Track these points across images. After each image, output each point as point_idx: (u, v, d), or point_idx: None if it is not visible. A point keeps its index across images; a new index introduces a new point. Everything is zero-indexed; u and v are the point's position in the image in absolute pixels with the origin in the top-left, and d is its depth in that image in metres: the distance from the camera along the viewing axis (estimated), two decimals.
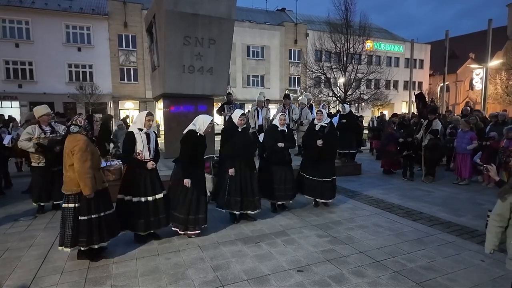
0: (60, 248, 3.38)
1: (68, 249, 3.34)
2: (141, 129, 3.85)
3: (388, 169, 8.51)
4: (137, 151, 3.83)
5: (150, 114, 3.92)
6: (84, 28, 24.83)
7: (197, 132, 4.07)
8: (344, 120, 8.19)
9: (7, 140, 6.13)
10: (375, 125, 12.27)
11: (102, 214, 3.44)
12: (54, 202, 5.23)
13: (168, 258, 3.56)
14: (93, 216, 3.36)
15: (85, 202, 3.34)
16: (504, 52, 35.20)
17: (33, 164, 5.07)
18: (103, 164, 6.13)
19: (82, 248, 3.38)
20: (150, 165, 3.84)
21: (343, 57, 21.23)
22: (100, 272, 3.27)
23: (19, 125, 11.04)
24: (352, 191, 6.56)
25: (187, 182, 3.94)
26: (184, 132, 4.11)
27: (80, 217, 3.32)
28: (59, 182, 5.13)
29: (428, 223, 4.69)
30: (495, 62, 23.30)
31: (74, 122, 3.42)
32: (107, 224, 3.49)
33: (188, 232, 4.07)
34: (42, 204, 5.15)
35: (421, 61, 38.85)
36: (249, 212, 4.63)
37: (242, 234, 4.27)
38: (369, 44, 25.16)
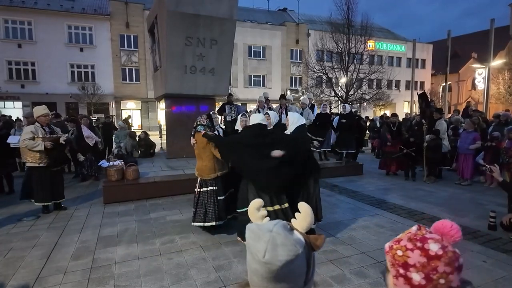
0: (197, 224, 4.07)
1: (209, 224, 4.00)
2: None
3: (387, 171, 8.35)
4: None
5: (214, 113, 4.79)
6: (86, 29, 24.93)
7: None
8: (343, 120, 8.21)
9: (15, 139, 6.06)
10: (378, 125, 12.28)
11: (227, 194, 4.18)
12: (56, 202, 5.27)
13: (170, 259, 3.57)
14: (224, 196, 4.12)
15: (221, 184, 4.09)
16: (506, 51, 35.06)
17: (31, 164, 4.97)
18: (105, 164, 6.18)
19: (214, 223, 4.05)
20: None
21: (344, 57, 21.21)
22: (103, 272, 3.28)
23: (22, 125, 11.08)
24: (353, 191, 6.56)
25: None
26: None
27: (218, 197, 4.05)
28: (60, 181, 5.22)
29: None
30: (497, 62, 23.17)
31: (199, 122, 4.11)
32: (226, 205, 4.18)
33: None
34: (46, 204, 5.17)
35: (423, 60, 38.77)
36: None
37: None
38: (370, 44, 25.12)
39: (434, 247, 0.80)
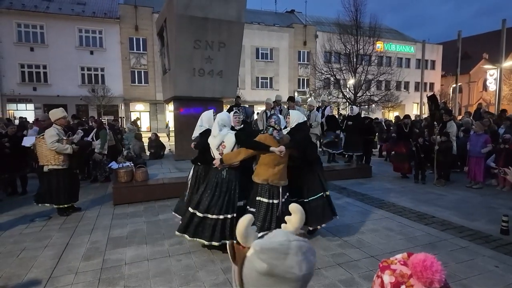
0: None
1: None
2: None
3: (404, 174, 8.15)
4: None
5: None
6: (97, 32, 25.33)
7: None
8: (350, 122, 8.15)
9: (30, 142, 6.00)
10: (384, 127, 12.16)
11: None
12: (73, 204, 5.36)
13: (179, 260, 3.60)
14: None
15: None
16: None
17: (54, 167, 4.97)
18: (115, 166, 6.27)
19: None
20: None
21: (353, 58, 21.09)
22: (113, 273, 3.33)
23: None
24: (362, 194, 6.51)
25: None
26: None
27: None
28: (77, 183, 5.31)
29: (440, 227, 4.61)
30: (509, 63, 22.70)
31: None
32: None
33: None
34: (66, 206, 5.21)
35: (433, 61, 38.27)
36: None
37: None
38: (379, 45, 24.90)
39: (386, 279, 0.73)
